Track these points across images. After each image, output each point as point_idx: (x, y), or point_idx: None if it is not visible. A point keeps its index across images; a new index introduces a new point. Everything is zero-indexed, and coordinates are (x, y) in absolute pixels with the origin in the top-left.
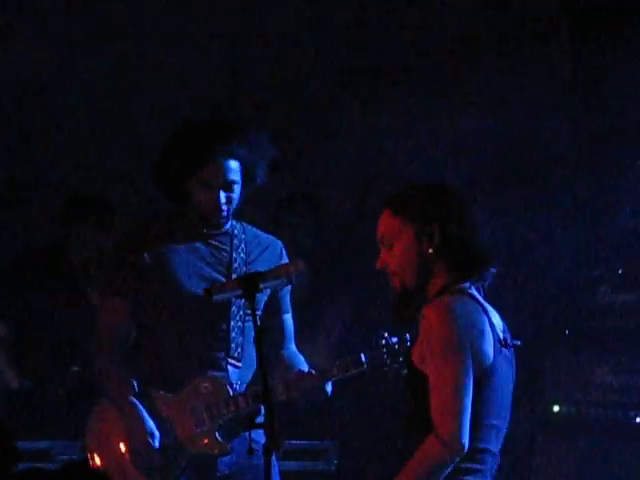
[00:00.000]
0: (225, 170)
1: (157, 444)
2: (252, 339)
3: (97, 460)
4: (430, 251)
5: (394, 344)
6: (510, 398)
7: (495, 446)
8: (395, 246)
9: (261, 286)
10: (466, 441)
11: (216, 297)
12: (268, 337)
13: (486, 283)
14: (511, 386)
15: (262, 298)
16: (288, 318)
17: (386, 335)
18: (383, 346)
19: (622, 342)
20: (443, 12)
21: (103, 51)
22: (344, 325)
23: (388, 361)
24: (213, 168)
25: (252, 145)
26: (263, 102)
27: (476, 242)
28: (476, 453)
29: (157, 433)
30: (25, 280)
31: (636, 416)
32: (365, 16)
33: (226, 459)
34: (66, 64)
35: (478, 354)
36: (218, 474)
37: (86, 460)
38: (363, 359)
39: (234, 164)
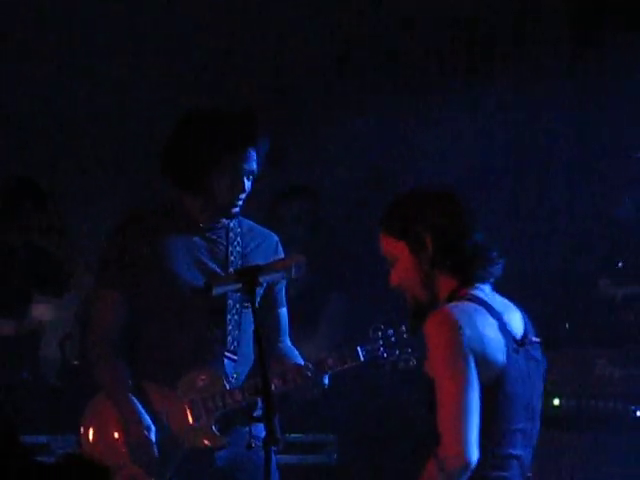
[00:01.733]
0: (250, 159)
1: (153, 438)
2: (250, 332)
3: (93, 454)
4: (427, 263)
5: (390, 336)
6: (537, 397)
7: (522, 450)
8: (397, 264)
9: (260, 279)
10: (474, 455)
11: (216, 291)
12: (263, 331)
13: (494, 277)
14: (538, 384)
15: (259, 292)
16: (283, 312)
17: (382, 327)
18: (379, 338)
19: (623, 335)
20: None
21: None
22: (342, 318)
23: (385, 353)
24: (242, 156)
25: (266, 136)
26: (260, 95)
27: (473, 241)
28: (498, 459)
29: (153, 427)
30: None
31: (637, 409)
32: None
33: (223, 453)
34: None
35: (484, 362)
36: (215, 467)
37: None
38: (359, 351)
39: (255, 153)
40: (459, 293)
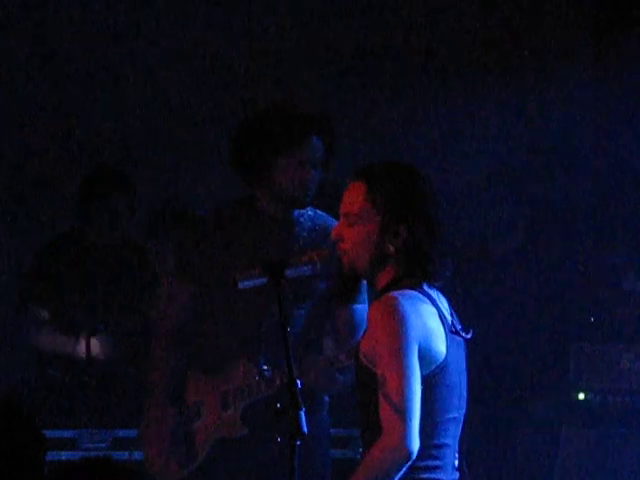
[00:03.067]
0: (313, 148)
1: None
2: (297, 329)
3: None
4: (391, 249)
5: None
6: (466, 384)
7: (453, 439)
8: (356, 228)
9: (287, 274)
10: (415, 446)
11: (241, 285)
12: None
13: (440, 282)
14: (465, 372)
15: (317, 286)
16: (359, 309)
17: None
18: None
19: None
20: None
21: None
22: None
23: None
24: (304, 146)
25: (328, 124)
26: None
27: (437, 249)
28: (434, 449)
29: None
30: (57, 266)
31: None
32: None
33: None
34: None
35: (427, 354)
36: (255, 461)
37: (110, 456)
38: None
39: (319, 142)
40: (402, 282)
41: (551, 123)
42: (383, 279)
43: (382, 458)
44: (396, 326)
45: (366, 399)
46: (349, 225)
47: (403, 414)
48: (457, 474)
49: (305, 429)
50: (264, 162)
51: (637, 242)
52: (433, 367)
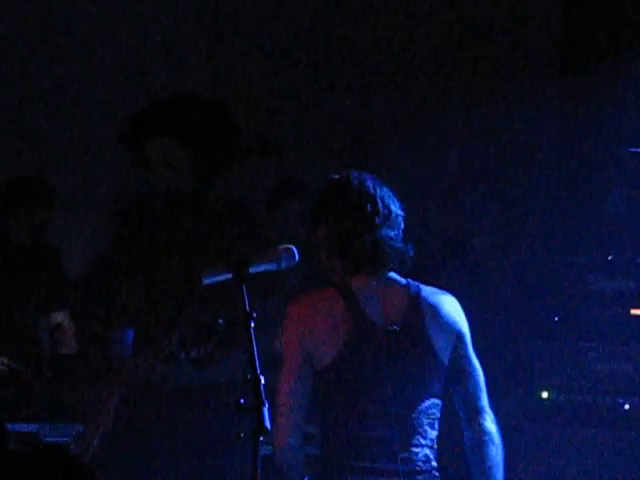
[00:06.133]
0: (162, 148)
1: None
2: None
3: None
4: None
5: None
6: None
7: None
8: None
9: (251, 270)
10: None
11: (206, 280)
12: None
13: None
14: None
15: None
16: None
17: None
18: None
19: (612, 329)
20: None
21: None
22: None
23: None
24: (150, 146)
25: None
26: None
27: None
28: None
29: None
30: None
31: (625, 403)
32: None
33: None
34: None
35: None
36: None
37: (67, 445)
38: None
39: (170, 143)
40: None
41: (518, 124)
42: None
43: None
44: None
45: None
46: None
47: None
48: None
49: (268, 425)
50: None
51: (602, 242)
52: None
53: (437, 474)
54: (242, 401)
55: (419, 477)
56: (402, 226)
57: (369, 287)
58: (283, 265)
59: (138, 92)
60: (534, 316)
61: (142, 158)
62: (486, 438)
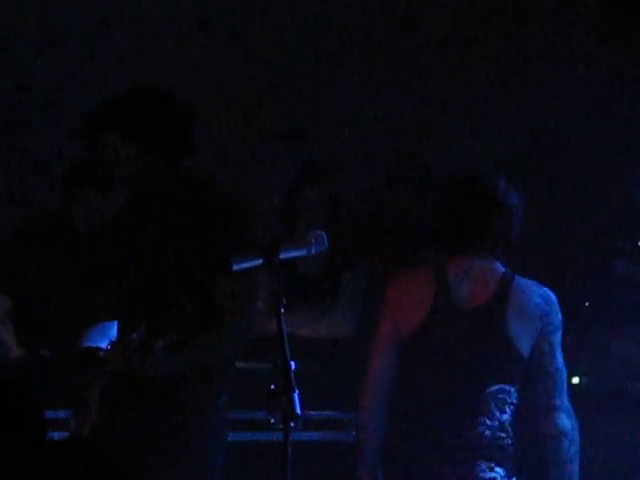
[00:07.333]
0: (112, 144)
1: None
2: None
3: None
4: None
5: None
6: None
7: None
8: None
9: (281, 256)
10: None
11: (236, 266)
12: None
13: None
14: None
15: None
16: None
17: None
18: None
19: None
20: None
21: None
22: (363, 294)
23: None
24: (100, 143)
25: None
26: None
27: None
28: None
29: None
30: (29, 249)
31: None
32: None
33: None
34: None
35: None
36: None
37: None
38: None
39: (119, 140)
40: None
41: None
42: None
43: None
44: None
45: None
46: None
47: None
48: None
49: (299, 411)
50: None
51: (630, 227)
52: None
53: (506, 457)
54: (272, 387)
55: (481, 453)
56: (514, 218)
57: (462, 268)
58: (313, 251)
59: None
60: (563, 302)
61: (95, 155)
62: (556, 432)
